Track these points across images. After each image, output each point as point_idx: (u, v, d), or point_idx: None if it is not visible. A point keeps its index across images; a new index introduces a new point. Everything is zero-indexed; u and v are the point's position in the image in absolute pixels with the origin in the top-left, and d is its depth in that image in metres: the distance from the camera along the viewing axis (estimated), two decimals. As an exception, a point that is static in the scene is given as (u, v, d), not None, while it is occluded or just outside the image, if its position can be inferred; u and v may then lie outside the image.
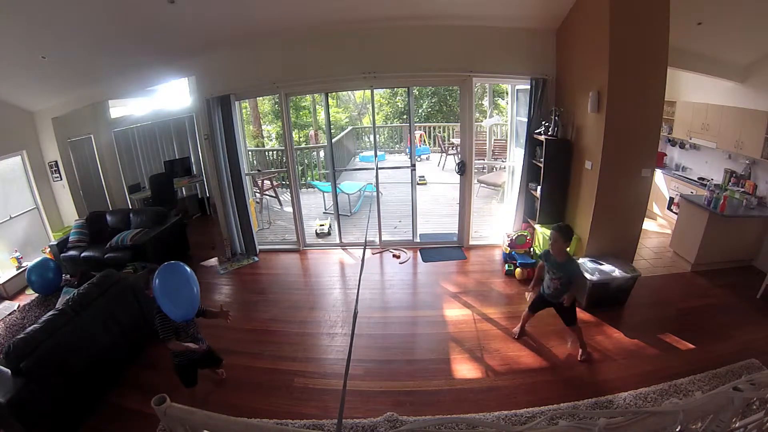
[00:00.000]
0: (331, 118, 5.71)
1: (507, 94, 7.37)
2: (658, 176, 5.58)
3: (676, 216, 4.91)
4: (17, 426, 2.36)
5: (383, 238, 5.36)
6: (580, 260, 3.84)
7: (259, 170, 7.61)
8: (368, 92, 5.20)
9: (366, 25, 4.30)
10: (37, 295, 4.62)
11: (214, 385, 3.01)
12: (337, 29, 4.35)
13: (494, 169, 7.63)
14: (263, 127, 11.56)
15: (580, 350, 3.08)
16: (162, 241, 4.86)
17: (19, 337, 2.58)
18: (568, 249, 2.94)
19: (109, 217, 5.17)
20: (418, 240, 5.33)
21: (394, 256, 5.06)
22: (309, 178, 8.38)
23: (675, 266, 4.50)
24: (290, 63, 4.56)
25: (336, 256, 5.22)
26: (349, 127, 10.39)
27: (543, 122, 4.39)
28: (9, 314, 4.27)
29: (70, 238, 4.94)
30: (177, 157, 7.24)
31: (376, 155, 5.24)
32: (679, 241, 4.61)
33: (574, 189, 4.26)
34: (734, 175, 4.66)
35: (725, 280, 4.14)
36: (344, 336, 3.54)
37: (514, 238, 4.50)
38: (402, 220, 5.93)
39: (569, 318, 3.06)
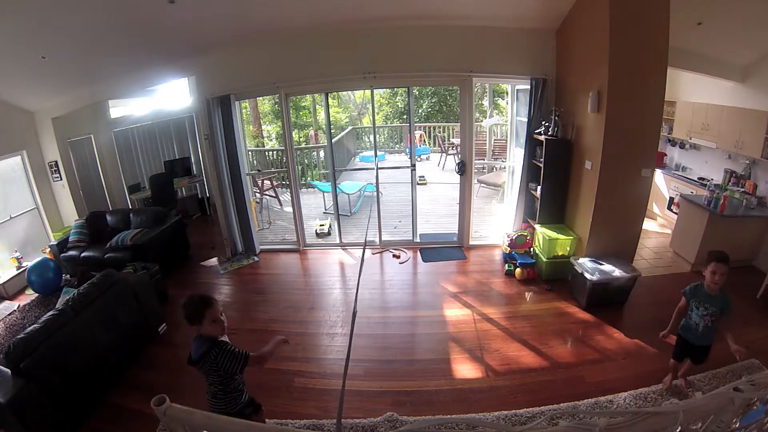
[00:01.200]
0: (331, 118, 5.71)
1: (507, 94, 7.36)
2: (658, 176, 5.58)
3: (676, 216, 4.91)
4: (17, 426, 2.35)
5: (383, 238, 5.36)
6: (581, 260, 3.85)
7: (259, 170, 7.61)
8: (368, 92, 5.20)
9: (366, 25, 4.30)
10: (37, 295, 4.62)
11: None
12: (337, 29, 4.35)
13: (494, 169, 7.63)
14: (263, 127, 11.57)
15: (686, 381, 2.77)
16: (162, 241, 4.86)
17: (19, 337, 2.58)
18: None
19: (109, 217, 5.17)
20: (418, 240, 5.33)
21: (394, 256, 5.05)
22: (309, 178, 8.38)
23: (675, 266, 4.50)
24: (290, 63, 4.56)
25: (336, 256, 5.22)
26: (349, 127, 10.39)
27: (543, 122, 4.39)
28: (9, 314, 4.27)
29: (70, 238, 4.94)
30: (177, 157, 7.23)
31: (376, 155, 5.25)
32: (679, 241, 4.61)
33: (574, 189, 4.26)
34: (734, 175, 4.66)
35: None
36: (344, 336, 3.54)
37: (514, 238, 4.50)
38: (402, 220, 5.93)
39: (705, 357, 2.63)
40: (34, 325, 2.71)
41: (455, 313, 3.82)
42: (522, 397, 2.76)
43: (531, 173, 4.66)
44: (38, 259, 4.77)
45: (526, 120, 4.59)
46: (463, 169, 4.87)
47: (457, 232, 5.21)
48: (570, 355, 3.16)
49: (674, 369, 2.77)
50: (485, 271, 4.59)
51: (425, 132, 10.39)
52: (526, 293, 4.11)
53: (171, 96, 6.98)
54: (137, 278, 3.69)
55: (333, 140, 5.49)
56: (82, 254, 4.72)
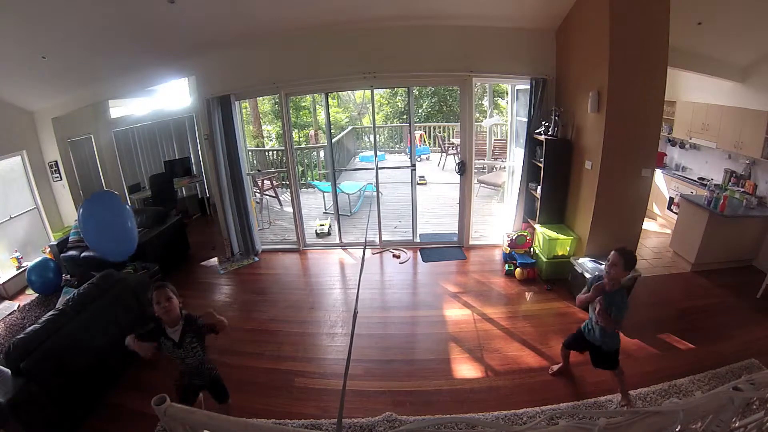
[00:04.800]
0: (331, 118, 5.71)
1: (507, 94, 7.36)
2: (658, 176, 5.58)
3: (676, 216, 4.91)
4: (17, 426, 2.35)
5: (383, 238, 5.36)
6: (581, 260, 3.85)
7: (259, 170, 7.61)
8: (368, 92, 5.20)
9: (366, 25, 4.30)
10: (37, 295, 4.61)
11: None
12: (336, 29, 4.35)
13: (494, 169, 7.63)
14: (263, 127, 11.57)
15: (620, 395, 2.66)
16: (162, 241, 4.86)
17: (19, 337, 2.58)
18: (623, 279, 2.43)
19: (109, 217, 5.17)
20: (418, 240, 5.33)
21: (394, 256, 5.05)
22: (309, 178, 8.38)
23: (675, 266, 4.50)
24: (290, 63, 4.56)
25: (336, 256, 5.22)
26: (349, 127, 10.39)
27: (543, 122, 4.39)
28: (9, 314, 4.27)
29: (70, 238, 4.93)
30: (177, 157, 7.23)
31: (376, 155, 5.24)
32: (679, 241, 4.61)
33: (574, 189, 4.26)
34: (734, 175, 4.66)
35: (725, 280, 4.14)
36: (344, 336, 3.54)
37: (514, 238, 4.50)
38: (402, 220, 5.93)
39: (611, 361, 2.58)
40: (34, 325, 2.71)
41: (455, 313, 3.82)
42: (522, 397, 2.76)
43: (531, 173, 4.66)
44: (38, 259, 4.77)
45: (526, 120, 4.59)
46: (463, 169, 4.87)
47: (457, 232, 5.21)
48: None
49: (564, 357, 2.89)
50: (485, 271, 4.59)
51: (425, 132, 10.39)
52: (526, 293, 4.11)
53: (171, 96, 6.99)
54: (137, 278, 3.70)
55: (333, 140, 5.48)
56: (82, 254, 4.71)
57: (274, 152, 8.99)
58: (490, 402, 2.73)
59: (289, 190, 5.64)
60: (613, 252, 2.40)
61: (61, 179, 5.50)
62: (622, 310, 2.36)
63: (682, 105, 5.31)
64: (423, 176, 7.80)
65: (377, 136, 7.75)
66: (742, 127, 4.32)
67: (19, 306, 4.44)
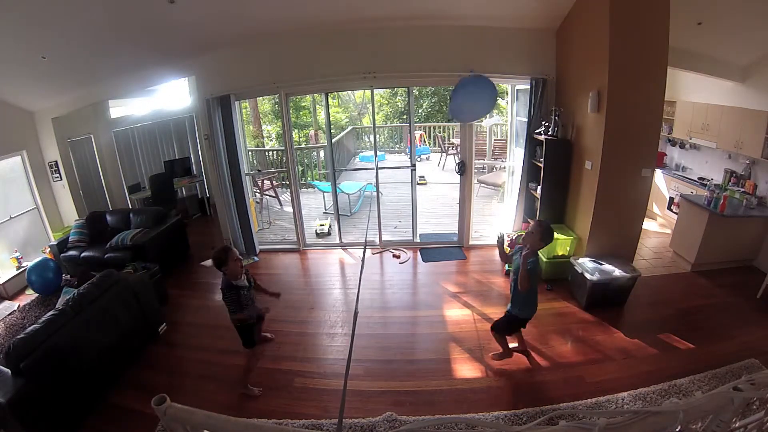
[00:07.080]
0: (331, 118, 5.71)
1: (507, 94, 7.36)
2: (658, 176, 5.58)
3: (676, 216, 4.91)
4: (17, 426, 2.36)
5: (383, 238, 5.36)
6: (581, 260, 3.84)
7: (259, 170, 7.61)
8: (368, 92, 5.20)
9: (366, 25, 4.30)
10: (37, 295, 4.62)
11: (216, 386, 3.01)
12: (336, 29, 4.35)
13: (494, 169, 7.63)
14: (263, 127, 11.57)
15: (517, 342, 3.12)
16: (162, 241, 4.86)
17: (19, 337, 2.58)
18: (539, 249, 2.68)
19: (109, 217, 5.17)
20: (418, 240, 5.33)
21: (394, 256, 5.05)
22: (309, 178, 8.39)
23: (675, 266, 4.50)
24: (290, 63, 4.56)
25: (336, 256, 5.22)
26: (349, 127, 10.39)
27: (543, 122, 4.39)
28: (9, 314, 4.27)
29: (70, 238, 4.94)
30: (177, 157, 7.23)
31: (376, 155, 5.24)
32: (679, 241, 4.61)
33: (574, 189, 4.26)
34: (734, 175, 4.66)
35: (725, 280, 4.14)
36: (344, 336, 3.55)
37: (514, 238, 4.50)
38: (402, 220, 5.93)
39: (501, 321, 2.95)
40: (34, 325, 2.71)
41: (455, 313, 3.82)
42: (522, 397, 2.76)
43: (531, 173, 4.66)
44: (38, 259, 4.77)
45: (526, 120, 4.59)
46: (463, 169, 4.87)
47: (457, 232, 5.21)
48: (570, 355, 3.16)
49: (502, 343, 3.09)
50: (485, 271, 4.59)
51: (425, 132, 10.39)
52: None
53: (171, 96, 6.99)
54: (137, 278, 3.69)
55: (333, 140, 5.48)
56: (82, 254, 4.72)
57: (274, 152, 8.99)
58: (490, 402, 2.73)
59: (289, 190, 5.63)
60: (535, 221, 2.76)
61: (61, 179, 5.50)
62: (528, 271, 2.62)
63: (682, 105, 5.31)
64: (423, 176, 7.81)
65: (377, 136, 7.75)
66: (742, 127, 4.32)
67: (19, 306, 4.44)
